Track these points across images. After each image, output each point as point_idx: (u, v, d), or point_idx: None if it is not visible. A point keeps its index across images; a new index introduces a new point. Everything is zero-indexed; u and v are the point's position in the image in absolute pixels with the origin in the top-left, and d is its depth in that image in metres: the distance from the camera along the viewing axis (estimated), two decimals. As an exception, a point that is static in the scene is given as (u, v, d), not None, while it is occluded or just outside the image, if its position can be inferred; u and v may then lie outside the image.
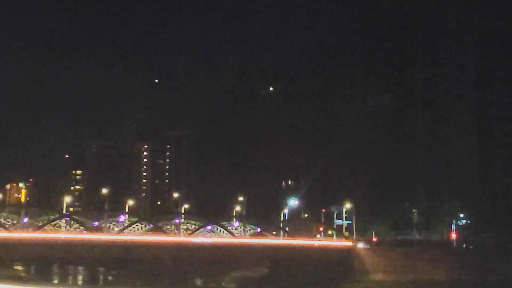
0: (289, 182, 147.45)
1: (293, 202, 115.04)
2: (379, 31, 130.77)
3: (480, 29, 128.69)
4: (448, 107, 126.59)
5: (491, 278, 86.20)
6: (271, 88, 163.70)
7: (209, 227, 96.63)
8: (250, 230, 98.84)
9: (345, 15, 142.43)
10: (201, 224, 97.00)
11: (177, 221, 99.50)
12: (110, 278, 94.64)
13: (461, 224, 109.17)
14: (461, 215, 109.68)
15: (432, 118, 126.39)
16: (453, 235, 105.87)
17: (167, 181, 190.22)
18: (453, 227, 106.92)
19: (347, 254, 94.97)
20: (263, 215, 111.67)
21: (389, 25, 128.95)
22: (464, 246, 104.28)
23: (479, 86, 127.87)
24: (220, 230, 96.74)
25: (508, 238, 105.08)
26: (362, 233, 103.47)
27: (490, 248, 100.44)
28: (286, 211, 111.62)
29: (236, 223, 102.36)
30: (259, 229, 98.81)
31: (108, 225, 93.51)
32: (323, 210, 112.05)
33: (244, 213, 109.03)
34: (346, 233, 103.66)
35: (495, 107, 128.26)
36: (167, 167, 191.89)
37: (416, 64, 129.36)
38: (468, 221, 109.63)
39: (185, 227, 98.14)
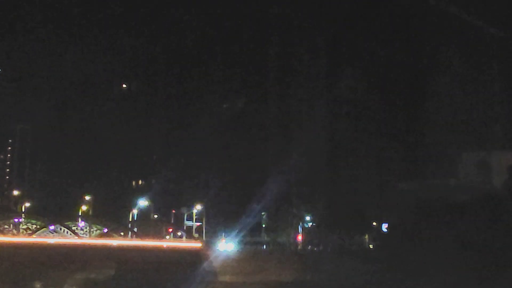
0: (139, 182, 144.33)
1: (142, 202, 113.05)
2: (235, 33, 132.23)
3: (334, 31, 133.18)
4: (299, 113, 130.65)
5: (330, 278, 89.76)
6: (124, 85, 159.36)
7: (52, 227, 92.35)
8: (96, 230, 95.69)
9: (199, 17, 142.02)
10: (42, 224, 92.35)
11: (16, 220, 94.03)
12: None
13: (307, 226, 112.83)
14: (308, 218, 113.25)
15: (284, 122, 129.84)
16: (300, 238, 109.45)
17: (7, 177, 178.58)
18: (300, 229, 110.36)
19: (196, 256, 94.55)
20: (110, 215, 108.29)
21: (246, 27, 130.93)
22: (309, 248, 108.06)
23: (330, 92, 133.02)
24: (63, 231, 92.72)
25: (350, 240, 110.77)
26: (212, 235, 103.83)
27: (333, 250, 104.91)
28: (135, 211, 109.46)
29: (81, 223, 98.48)
30: (106, 230, 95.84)
31: None
32: (173, 211, 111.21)
33: (90, 213, 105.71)
34: (196, 235, 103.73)
35: (345, 114, 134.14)
36: (8, 162, 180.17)
37: (268, 69, 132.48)
38: (314, 224, 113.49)
39: (25, 226, 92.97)
